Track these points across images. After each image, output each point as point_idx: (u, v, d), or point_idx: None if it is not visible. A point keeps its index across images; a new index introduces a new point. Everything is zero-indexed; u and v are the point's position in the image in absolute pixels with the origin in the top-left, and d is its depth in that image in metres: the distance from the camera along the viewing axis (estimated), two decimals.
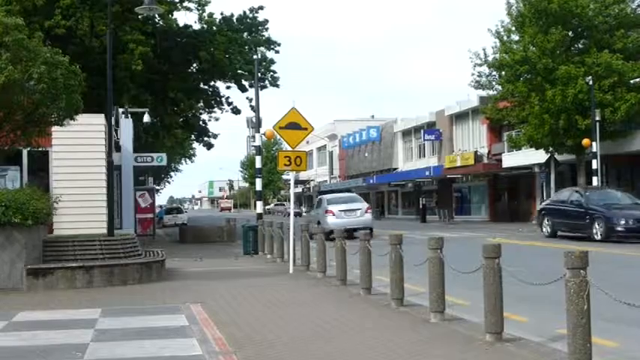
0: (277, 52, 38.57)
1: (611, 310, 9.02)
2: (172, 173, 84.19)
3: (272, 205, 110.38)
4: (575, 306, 7.02)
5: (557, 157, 41.81)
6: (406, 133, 72.54)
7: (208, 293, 14.55)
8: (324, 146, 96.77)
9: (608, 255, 21.10)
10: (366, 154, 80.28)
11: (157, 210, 61.57)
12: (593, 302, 7.20)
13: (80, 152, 22.07)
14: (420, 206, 63.25)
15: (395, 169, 73.51)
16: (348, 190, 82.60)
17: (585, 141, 36.99)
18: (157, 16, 31.26)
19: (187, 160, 77.86)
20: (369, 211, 34.12)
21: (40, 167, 22.56)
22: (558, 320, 7.57)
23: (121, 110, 30.66)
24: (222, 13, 37.39)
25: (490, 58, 41.26)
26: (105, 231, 18.50)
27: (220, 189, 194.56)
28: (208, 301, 13.14)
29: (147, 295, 14.62)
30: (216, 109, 41.44)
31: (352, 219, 32.36)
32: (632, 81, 37.21)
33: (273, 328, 10.33)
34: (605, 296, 7.24)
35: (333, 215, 31.63)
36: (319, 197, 42.02)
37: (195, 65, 37.83)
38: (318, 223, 28.83)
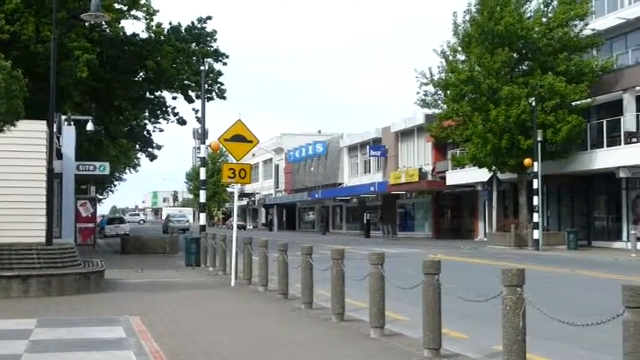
0: (225, 64, 38.42)
1: (548, 327, 9.14)
2: (116, 183, 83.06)
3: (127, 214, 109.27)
4: (510, 323, 7.09)
5: (500, 176, 42.43)
6: (352, 149, 72.94)
7: (148, 305, 14.36)
8: (270, 159, 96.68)
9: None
10: (312, 169, 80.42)
11: (99, 219, 60.73)
12: (531, 319, 7.29)
13: (20, 159, 21.60)
14: (364, 221, 63.57)
15: (340, 184, 73.79)
16: (293, 205, 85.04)
17: (527, 161, 37.60)
18: (103, 23, 30.91)
19: (131, 169, 76.92)
20: (188, 222, 79.22)
21: None
22: (497, 337, 7.66)
23: (63, 117, 30.20)
24: (170, 23, 37.10)
25: (436, 78, 41.75)
26: (43, 240, 18.14)
27: (164, 200, 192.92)
28: (147, 313, 12.96)
29: (84, 306, 14.37)
30: (161, 119, 41.05)
31: (181, 224, 70.72)
32: (573, 103, 38.00)
33: (213, 342, 10.23)
34: (543, 313, 7.33)
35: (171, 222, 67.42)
36: (167, 212, 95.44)
37: (141, 74, 37.45)
38: (166, 225, 56.41)
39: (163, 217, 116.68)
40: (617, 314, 5.74)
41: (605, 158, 36.54)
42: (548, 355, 9.21)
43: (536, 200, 37.18)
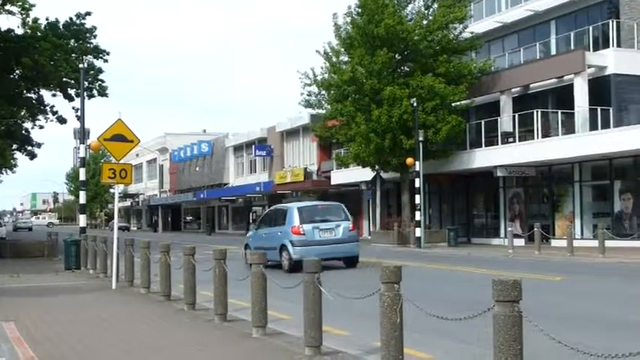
0: (106, 60, 37.55)
1: (425, 322, 9.34)
2: None
3: None
4: (388, 319, 7.21)
5: (383, 175, 43.15)
6: (237, 149, 72.69)
7: (23, 310, 13.89)
8: (155, 159, 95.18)
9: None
10: (197, 169, 79.68)
11: None
12: (409, 315, 7.43)
13: None
14: (250, 221, 63.46)
15: (226, 184, 73.40)
16: (178, 205, 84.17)
17: (409, 160, 38.37)
18: None
19: (8, 170, 74.06)
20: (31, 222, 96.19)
21: None
22: (377, 332, 7.78)
23: None
24: (47, 19, 35.91)
25: (319, 78, 42.05)
26: None
27: (44, 201, 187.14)
28: (23, 319, 12.53)
29: None
30: (40, 118, 39.74)
31: (26, 225, 78.72)
32: (453, 104, 39.03)
33: (91, 346, 9.99)
34: (420, 309, 7.49)
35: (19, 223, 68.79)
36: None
37: (17, 72, 36.13)
38: (15, 225, 53.46)
39: None
40: (488, 308, 5.93)
41: (483, 158, 37.70)
42: (424, 349, 9.41)
43: (418, 199, 37.97)
